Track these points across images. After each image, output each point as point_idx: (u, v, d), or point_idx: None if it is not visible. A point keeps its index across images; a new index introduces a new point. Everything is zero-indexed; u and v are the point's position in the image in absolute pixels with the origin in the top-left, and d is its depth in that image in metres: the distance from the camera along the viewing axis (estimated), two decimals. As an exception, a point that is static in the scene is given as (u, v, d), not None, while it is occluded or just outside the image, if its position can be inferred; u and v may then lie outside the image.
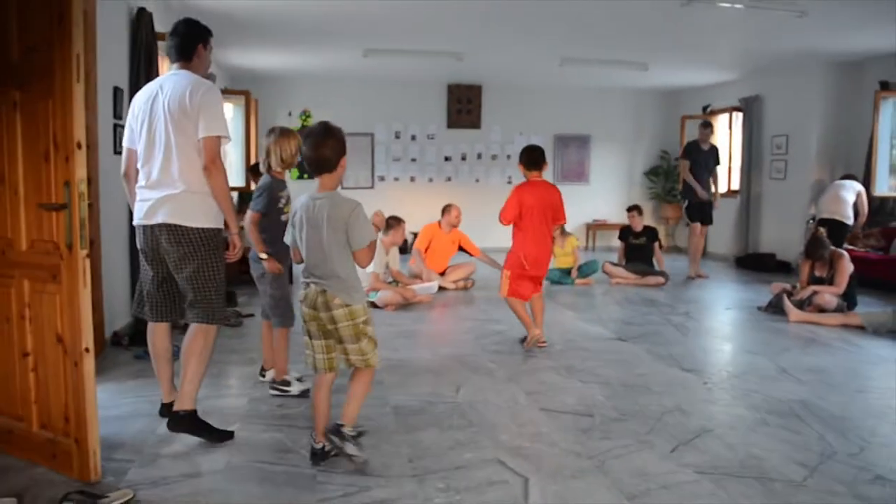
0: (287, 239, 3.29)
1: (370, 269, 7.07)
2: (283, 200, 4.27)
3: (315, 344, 3.17)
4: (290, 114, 12.20)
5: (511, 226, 5.43)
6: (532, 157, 5.45)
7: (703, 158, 9.56)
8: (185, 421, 3.47)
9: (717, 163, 9.71)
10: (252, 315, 6.67)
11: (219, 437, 3.51)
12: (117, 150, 5.71)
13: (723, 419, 3.89)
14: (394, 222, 7.30)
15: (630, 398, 4.24)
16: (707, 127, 9.68)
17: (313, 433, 3.26)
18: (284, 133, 4.27)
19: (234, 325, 6.25)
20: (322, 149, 3.05)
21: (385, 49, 9.56)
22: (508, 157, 13.04)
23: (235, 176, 10.51)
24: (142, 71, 6.09)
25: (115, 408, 4.00)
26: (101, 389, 4.22)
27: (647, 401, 4.19)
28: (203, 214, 3.44)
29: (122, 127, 5.69)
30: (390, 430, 3.69)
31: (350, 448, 3.16)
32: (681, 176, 9.87)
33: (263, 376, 4.53)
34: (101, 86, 5.30)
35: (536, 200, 5.33)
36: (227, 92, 10.21)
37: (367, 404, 3.81)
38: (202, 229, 3.44)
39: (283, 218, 4.17)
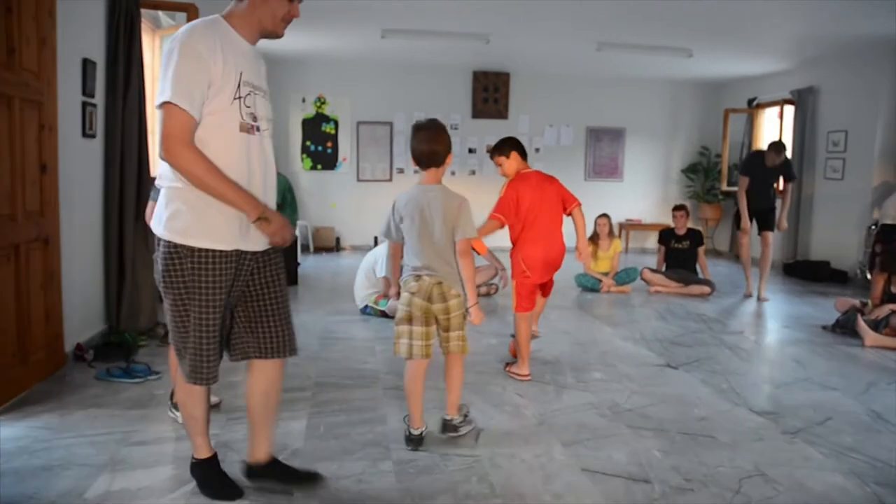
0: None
1: (380, 272, 6.23)
2: None
3: (416, 331, 3.27)
4: (303, 100, 11.42)
5: (505, 228, 4.63)
6: (522, 147, 4.67)
7: (767, 175, 7.87)
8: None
9: (791, 178, 7.90)
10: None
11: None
12: (86, 133, 4.91)
13: (820, 491, 3.01)
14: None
15: (693, 453, 3.37)
16: (780, 152, 7.73)
17: (408, 419, 3.40)
18: None
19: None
20: (435, 144, 3.20)
21: (405, 30, 8.77)
22: (537, 150, 12.21)
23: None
24: (121, 42, 5.30)
25: (45, 452, 3.18)
26: (38, 422, 3.45)
27: (717, 458, 3.31)
28: (160, 219, 2.48)
29: (93, 106, 4.92)
30: (390, 497, 2.85)
31: (465, 429, 3.53)
32: (739, 194, 7.99)
33: (175, 410, 3.64)
34: (64, 56, 4.50)
35: (539, 193, 4.55)
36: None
37: (364, 457, 3.17)
38: (159, 240, 2.51)
39: None
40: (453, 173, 11.90)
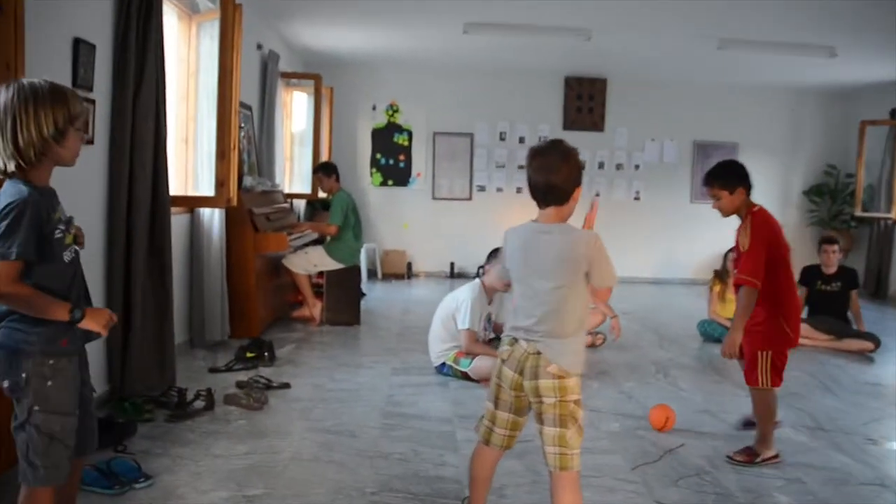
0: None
1: (462, 324, 4.82)
2: (58, 224, 2.17)
3: (500, 417, 2.60)
4: (374, 108, 10.28)
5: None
6: (749, 179, 3.71)
7: None
8: None
9: None
10: (288, 385, 4.54)
11: None
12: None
13: None
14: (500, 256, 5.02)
15: None
16: None
17: (467, 500, 2.80)
18: (35, 91, 2.08)
19: (251, 403, 4.12)
20: (554, 175, 2.48)
21: (491, 23, 7.49)
22: (637, 167, 10.79)
23: (304, 180, 8.60)
24: (133, 22, 4.07)
25: None
26: None
27: None
28: None
29: (86, 100, 3.69)
30: None
31: None
32: None
33: None
34: (42, 33, 3.28)
35: (783, 235, 3.68)
36: (292, 76, 8.25)
37: None
38: None
39: (68, 255, 2.21)
40: (519, 190, 10.42)
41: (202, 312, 5.40)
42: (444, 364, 4.92)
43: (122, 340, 4.14)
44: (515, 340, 2.55)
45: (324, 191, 7.04)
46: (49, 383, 2.11)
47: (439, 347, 4.97)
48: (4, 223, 2.01)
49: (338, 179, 6.90)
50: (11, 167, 2.06)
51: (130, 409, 3.91)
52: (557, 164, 2.47)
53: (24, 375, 2.10)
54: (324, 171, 6.94)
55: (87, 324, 2.15)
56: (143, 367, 4.19)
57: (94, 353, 3.93)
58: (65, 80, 3.57)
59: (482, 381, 4.69)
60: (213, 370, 4.84)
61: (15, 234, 2.00)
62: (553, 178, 2.48)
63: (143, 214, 4.19)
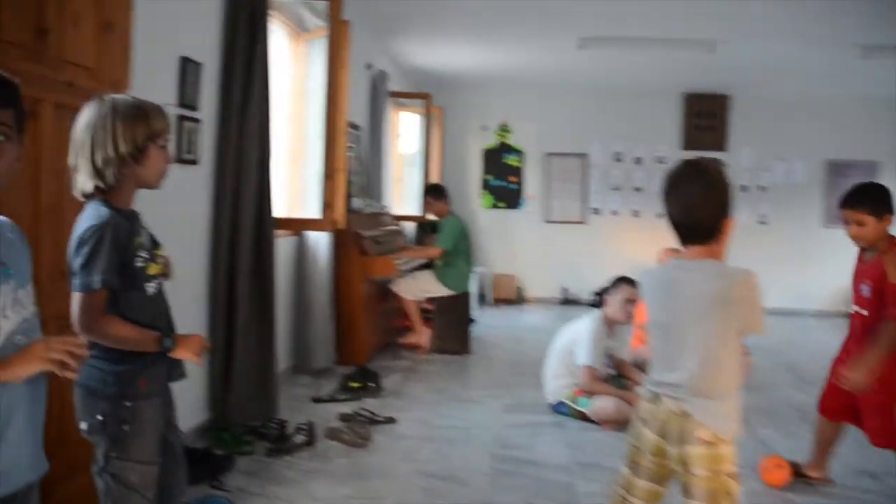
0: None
1: (582, 360, 4.43)
2: (139, 250, 1.98)
3: (637, 486, 2.17)
4: (484, 128, 10.04)
5: None
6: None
7: None
8: None
9: None
10: (393, 420, 4.26)
11: None
12: (184, 157, 3.56)
13: None
14: (623, 286, 4.60)
15: None
16: None
17: None
18: (115, 107, 1.91)
19: (354, 439, 3.86)
20: (698, 210, 2.07)
21: (607, 37, 7.11)
22: (763, 188, 10.07)
23: (413, 201, 8.43)
24: (239, 41, 3.94)
25: None
26: None
27: None
28: None
29: (191, 120, 3.58)
30: None
31: None
32: None
33: None
34: (148, 51, 3.16)
35: None
36: (401, 95, 8.09)
37: None
38: None
39: (151, 287, 2.01)
40: (659, 216, 9.91)
41: (307, 338, 5.23)
42: (560, 402, 4.53)
43: (223, 367, 3.99)
44: (657, 397, 2.15)
45: (433, 214, 6.82)
46: (126, 428, 1.89)
47: (556, 384, 4.58)
48: (86, 249, 1.82)
49: (448, 203, 6.66)
50: (90, 188, 1.87)
51: (229, 441, 3.73)
52: (702, 197, 2.06)
53: (99, 418, 1.89)
54: (433, 194, 6.72)
55: (180, 353, 1.96)
56: (244, 396, 4.02)
57: (195, 380, 3.81)
58: (170, 99, 3.46)
59: (603, 423, 4.28)
60: (317, 400, 4.62)
61: (97, 260, 1.81)
62: (697, 214, 2.08)
63: (247, 237, 4.03)
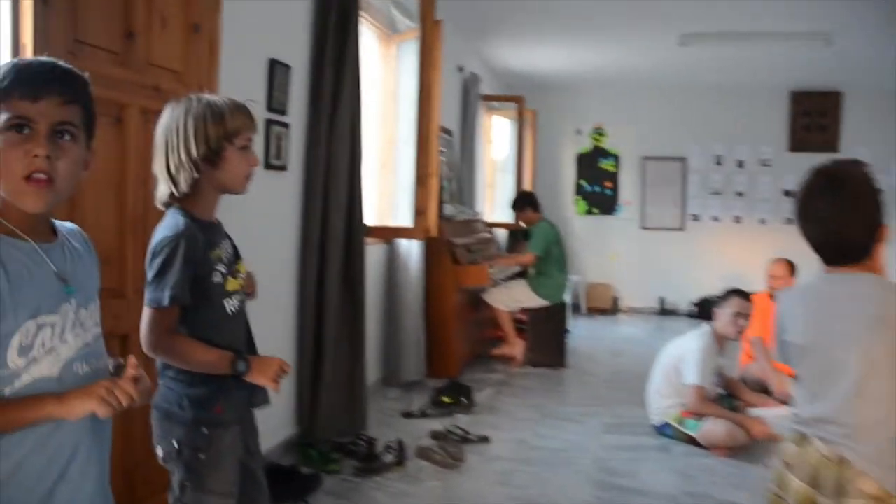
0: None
1: (690, 379, 4.10)
2: (217, 264, 1.81)
3: None
4: (578, 132, 9.73)
5: None
6: None
7: None
8: None
9: None
10: (487, 440, 4.05)
11: None
12: (272, 163, 3.46)
13: None
14: (734, 299, 4.25)
15: None
16: None
17: None
18: (189, 107, 1.79)
19: (446, 460, 3.66)
20: (842, 230, 1.72)
21: (712, 33, 6.75)
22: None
23: (505, 208, 8.21)
24: (329, 42, 3.81)
25: None
26: None
27: None
28: None
29: (279, 125, 3.47)
30: None
31: None
32: None
33: None
34: (236, 53, 3.06)
35: None
36: (493, 98, 7.90)
37: None
38: None
39: (230, 305, 1.83)
40: (763, 222, 9.44)
41: (398, 350, 5.08)
42: (665, 424, 4.21)
43: (311, 379, 3.87)
44: (805, 438, 1.79)
45: (523, 223, 6.59)
46: (202, 457, 1.73)
47: (660, 404, 4.26)
48: (157, 261, 1.68)
49: (536, 210, 6.41)
50: (166, 196, 1.74)
51: (316, 458, 3.59)
52: (845, 214, 1.71)
53: (175, 445, 1.74)
54: (522, 202, 6.49)
55: (254, 377, 1.76)
56: (332, 410, 3.88)
57: (282, 392, 3.68)
58: (259, 103, 3.35)
59: (713, 448, 3.94)
60: (407, 415, 4.45)
61: (168, 274, 1.67)
62: (841, 235, 1.74)
63: (337, 245, 3.90)
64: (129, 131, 2.50)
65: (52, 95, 1.23)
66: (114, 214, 2.50)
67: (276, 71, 3.47)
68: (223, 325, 1.79)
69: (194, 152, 1.71)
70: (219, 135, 1.73)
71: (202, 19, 2.87)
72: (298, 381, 3.85)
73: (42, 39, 2.18)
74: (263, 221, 3.43)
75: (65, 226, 1.42)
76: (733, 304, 4.19)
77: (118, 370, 1.37)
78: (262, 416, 3.25)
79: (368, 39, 4.80)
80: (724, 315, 4.22)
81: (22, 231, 1.26)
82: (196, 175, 1.72)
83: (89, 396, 1.20)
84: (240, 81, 3.15)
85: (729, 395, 4.35)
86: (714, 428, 3.93)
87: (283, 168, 3.61)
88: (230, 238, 1.90)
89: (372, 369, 4.65)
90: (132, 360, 1.29)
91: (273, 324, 3.62)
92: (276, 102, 3.49)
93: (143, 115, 2.52)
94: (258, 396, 1.87)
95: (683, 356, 4.18)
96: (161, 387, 1.78)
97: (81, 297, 1.33)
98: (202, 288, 1.73)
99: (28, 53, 2.18)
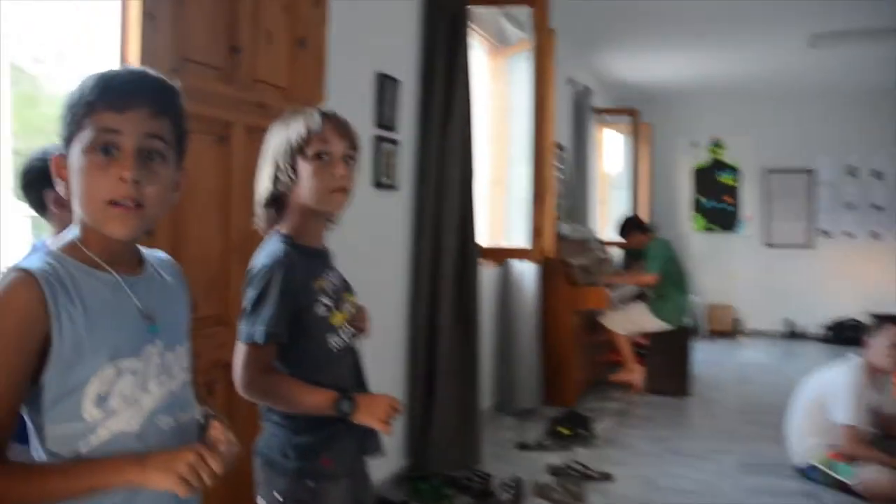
0: None
1: (841, 418, 3.66)
2: (320, 295, 1.62)
3: None
4: (694, 144, 9.32)
5: None
6: None
7: None
8: None
9: None
10: (609, 477, 3.73)
11: None
12: (381, 182, 3.32)
13: None
14: (890, 328, 3.78)
15: None
16: None
17: None
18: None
19: (566, 499, 3.38)
20: None
21: (847, 31, 6.22)
22: None
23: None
24: (438, 55, 3.64)
25: None
26: None
27: None
28: None
29: (388, 141, 3.32)
30: None
31: None
32: None
33: None
34: (343, 67, 2.93)
35: None
36: (606, 111, 7.60)
37: None
38: None
39: (335, 341, 1.62)
40: (875, 236, 8.71)
41: (512, 376, 4.85)
42: (811, 466, 3.77)
43: (423, 407, 3.69)
44: None
45: (634, 247, 6.25)
46: None
47: (804, 443, 3.83)
48: (252, 293, 1.53)
49: (645, 231, 6.07)
50: (262, 219, 1.58)
51: (428, 494, 3.39)
52: None
53: (278, 498, 1.55)
54: (628, 228, 6.16)
55: (362, 417, 1.53)
56: (445, 440, 3.69)
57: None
58: (366, 118, 3.22)
59: (872, 498, 3.49)
60: (523, 447, 4.19)
61: (262, 307, 1.50)
62: None
63: (449, 267, 3.72)
64: (233, 150, 2.38)
65: (140, 106, 1.07)
66: (218, 237, 2.38)
67: (385, 85, 3.33)
68: (326, 362, 1.59)
69: (270, 171, 1.57)
70: (285, 147, 1.56)
71: (308, 33, 2.75)
72: (410, 409, 3.67)
73: (149, 57, 2.09)
74: (372, 243, 3.28)
75: (155, 255, 1.26)
76: (889, 335, 3.73)
77: (208, 421, 1.20)
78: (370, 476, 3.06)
79: (478, 52, 4.61)
80: (877, 346, 3.75)
81: (104, 261, 1.10)
82: (280, 196, 1.57)
83: (169, 472, 1.01)
84: (347, 97, 3.01)
85: (886, 436, 3.87)
86: (876, 477, 3.45)
87: (392, 187, 3.45)
88: (335, 268, 1.71)
89: (485, 396, 4.43)
90: (217, 425, 1.10)
91: (383, 348, 3.46)
92: (384, 118, 3.34)
93: (248, 132, 2.40)
94: (370, 443, 1.67)
95: (830, 391, 3.74)
96: (265, 431, 1.60)
97: (168, 338, 1.16)
98: (302, 321, 1.54)
99: (132, 72, 2.09)
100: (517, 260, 4.76)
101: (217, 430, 1.11)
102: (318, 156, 1.55)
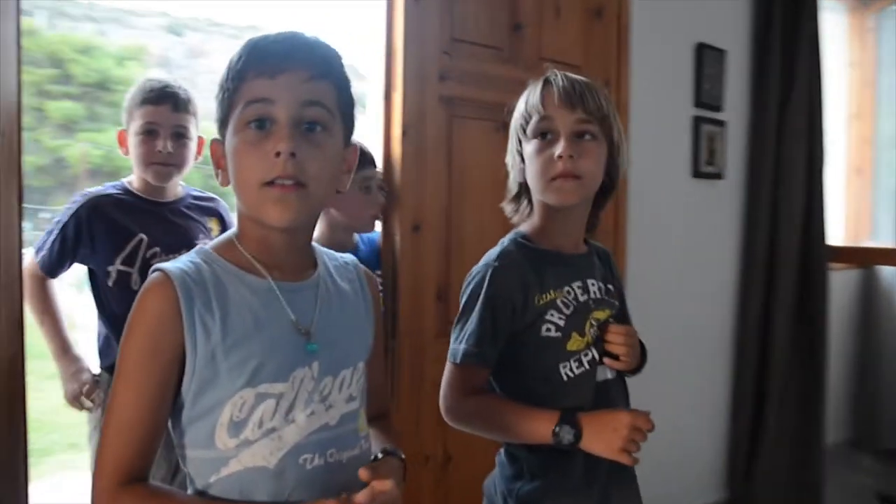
0: None
1: None
2: (548, 313, 1.26)
3: None
4: None
5: None
6: None
7: None
8: None
9: None
10: None
11: None
12: (701, 171, 2.92)
13: None
14: None
15: None
16: None
17: None
18: None
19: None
20: None
21: None
22: None
23: None
24: (776, 19, 3.11)
25: None
26: None
27: None
28: None
29: (711, 122, 2.90)
30: None
31: None
32: None
33: None
34: (651, 39, 2.60)
35: None
36: None
37: None
38: None
39: (568, 370, 1.25)
40: None
41: (873, 406, 4.02)
42: None
43: (749, 434, 3.19)
44: None
45: None
46: None
47: None
48: (462, 302, 1.27)
49: None
50: (514, 217, 1.39)
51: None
52: None
53: None
54: None
55: (591, 445, 1.15)
56: (775, 475, 3.17)
57: (709, 444, 3.08)
58: (683, 97, 2.81)
59: None
60: (885, 499, 3.41)
61: (467, 323, 1.22)
62: None
63: (789, 270, 3.18)
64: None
65: (294, 68, 0.90)
66: (498, 233, 2.19)
67: (706, 57, 2.88)
68: (552, 394, 1.23)
69: (508, 155, 1.33)
70: (513, 127, 1.32)
71: (606, 2, 2.45)
72: (732, 434, 3.20)
73: (416, 40, 1.97)
74: (690, 243, 2.87)
75: (335, 257, 1.07)
76: None
77: (378, 461, 0.98)
78: (683, 473, 2.69)
79: (831, 9, 3.85)
80: None
81: (262, 261, 0.94)
82: (521, 182, 1.32)
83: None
84: (658, 72, 2.67)
85: None
86: None
87: (717, 176, 2.98)
88: (600, 279, 1.35)
89: (834, 429, 3.71)
90: (380, 484, 0.85)
91: (702, 361, 3.03)
92: (705, 96, 2.90)
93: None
94: (614, 492, 1.28)
95: None
96: (497, 463, 1.33)
97: (330, 360, 0.95)
98: (521, 342, 1.23)
99: (398, 57, 1.98)
100: (885, 265, 3.94)
101: (381, 483, 0.86)
102: (541, 134, 1.25)
